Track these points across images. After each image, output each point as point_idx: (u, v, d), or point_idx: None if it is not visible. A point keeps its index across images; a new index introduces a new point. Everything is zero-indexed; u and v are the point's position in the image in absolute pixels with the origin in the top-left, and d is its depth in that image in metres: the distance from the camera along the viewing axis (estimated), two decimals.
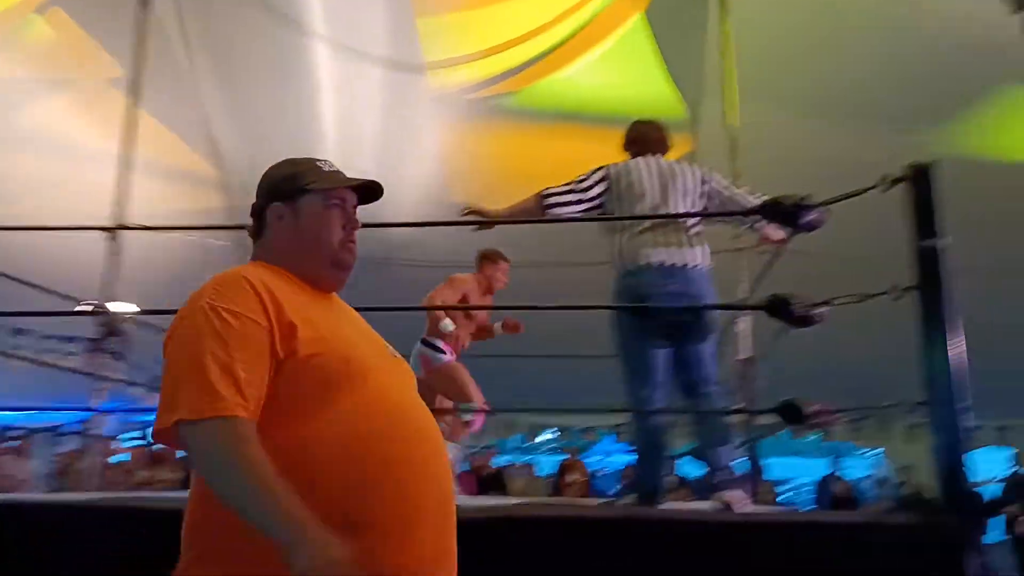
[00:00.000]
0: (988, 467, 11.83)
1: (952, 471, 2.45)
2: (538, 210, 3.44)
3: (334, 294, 1.68)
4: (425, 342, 4.85)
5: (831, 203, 2.92)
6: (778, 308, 2.87)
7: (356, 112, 7.83)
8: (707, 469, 3.27)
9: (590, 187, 3.47)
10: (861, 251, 5.41)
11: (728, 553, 2.33)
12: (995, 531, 10.85)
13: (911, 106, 6.72)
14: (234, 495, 1.34)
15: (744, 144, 5.94)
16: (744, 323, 5.21)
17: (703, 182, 3.47)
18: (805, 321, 2.89)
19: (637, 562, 2.26)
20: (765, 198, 3.16)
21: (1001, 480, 11.02)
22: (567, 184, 3.48)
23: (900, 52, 6.57)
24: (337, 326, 1.57)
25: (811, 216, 2.94)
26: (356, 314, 1.71)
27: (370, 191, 1.70)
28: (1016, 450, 10.78)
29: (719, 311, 3.68)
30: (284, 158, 1.72)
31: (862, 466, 12.96)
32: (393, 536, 1.43)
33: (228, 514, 1.35)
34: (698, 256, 3.34)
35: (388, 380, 1.56)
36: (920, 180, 2.60)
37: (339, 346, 1.51)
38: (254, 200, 1.68)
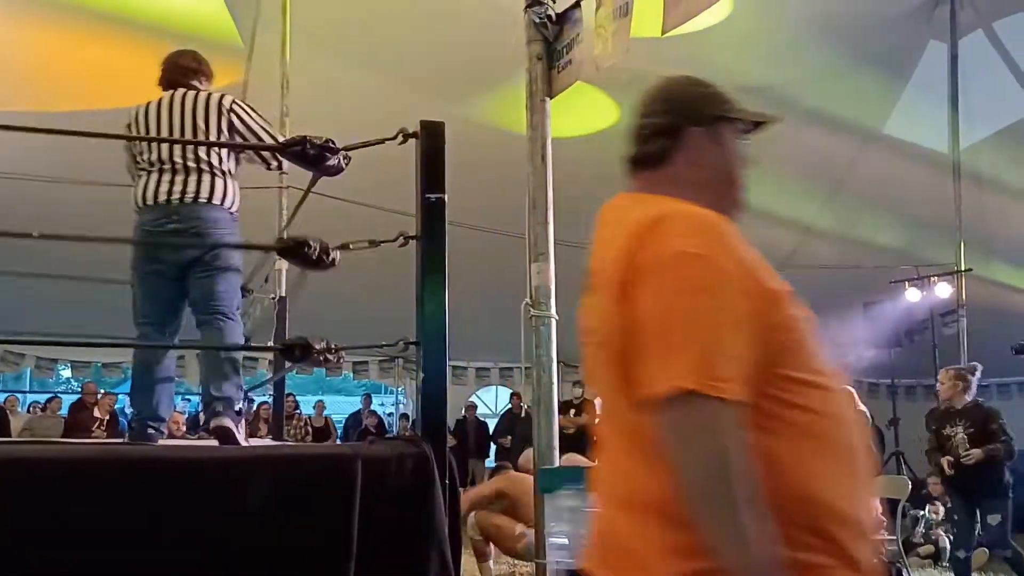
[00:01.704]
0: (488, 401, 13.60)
1: (433, 404, 2.74)
2: None
3: None
4: None
5: (353, 149, 3.04)
6: (292, 251, 2.92)
7: None
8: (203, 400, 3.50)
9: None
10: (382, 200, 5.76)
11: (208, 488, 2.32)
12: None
13: (450, 78, 7.27)
14: (702, 496, 1.10)
15: (295, 84, 5.95)
16: (282, 263, 5.25)
17: (225, 112, 3.44)
18: (319, 264, 2.97)
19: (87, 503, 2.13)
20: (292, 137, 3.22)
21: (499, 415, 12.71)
22: None
23: (439, 30, 7.07)
24: None
25: (333, 160, 3.03)
26: None
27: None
28: (512, 391, 12.53)
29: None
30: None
31: (390, 403, 13.90)
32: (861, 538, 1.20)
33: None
34: (205, 190, 3.36)
35: None
36: (430, 137, 2.80)
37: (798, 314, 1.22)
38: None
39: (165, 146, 3.38)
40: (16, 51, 6.85)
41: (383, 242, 2.95)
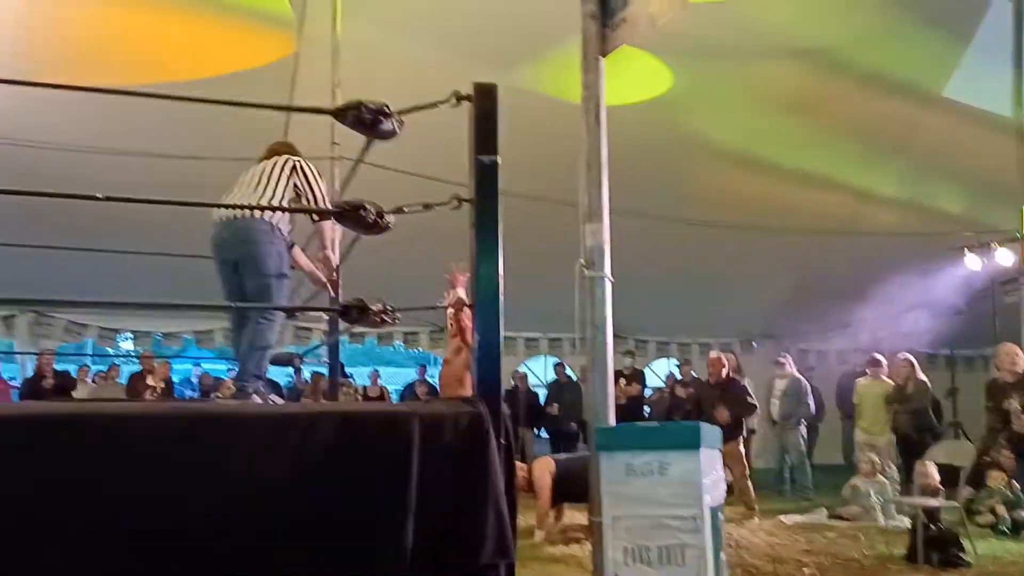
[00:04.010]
0: (538, 371, 13.65)
1: (489, 366, 2.76)
2: None
3: None
4: None
5: (407, 113, 3.04)
6: (348, 215, 2.95)
7: None
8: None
9: None
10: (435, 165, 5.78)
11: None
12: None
13: (500, 45, 7.22)
14: None
15: (345, 54, 5.98)
16: (336, 233, 5.32)
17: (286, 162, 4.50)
18: (375, 227, 3.00)
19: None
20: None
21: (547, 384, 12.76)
22: None
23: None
24: None
25: (387, 124, 3.05)
26: None
27: None
28: (558, 359, 12.57)
29: None
30: None
31: (438, 373, 13.95)
32: None
33: None
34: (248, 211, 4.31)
35: None
36: (483, 99, 2.80)
37: None
38: None
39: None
40: (69, 26, 6.98)
41: (437, 205, 2.97)
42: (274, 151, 4.64)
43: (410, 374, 13.55)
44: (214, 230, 4.42)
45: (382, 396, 11.47)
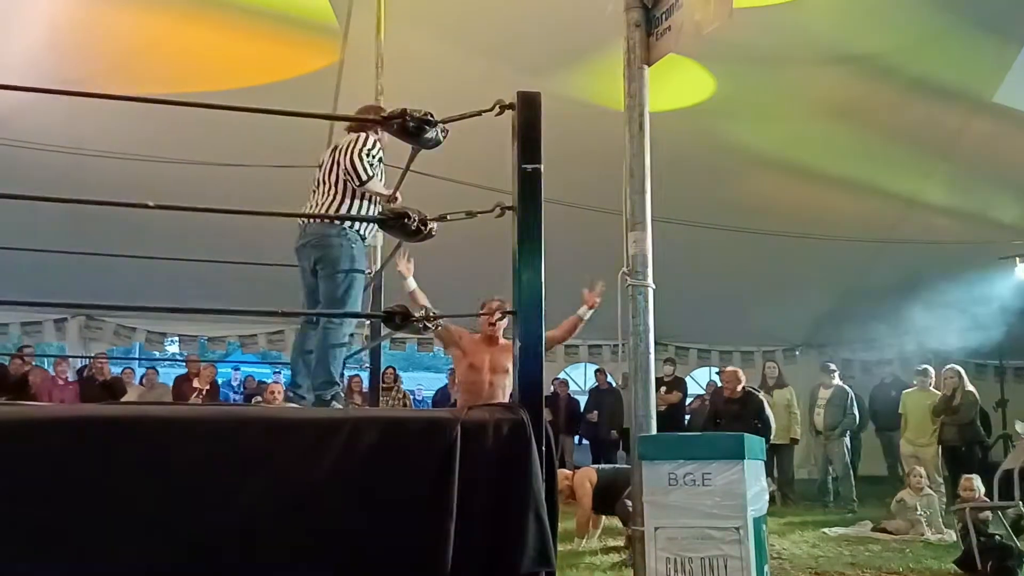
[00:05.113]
0: (578, 378, 13.62)
1: (531, 373, 2.76)
2: None
3: None
4: None
5: (451, 121, 3.07)
6: (393, 222, 2.99)
7: None
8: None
9: None
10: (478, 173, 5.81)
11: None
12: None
13: (542, 51, 7.24)
14: None
15: (388, 62, 6.04)
16: (376, 240, 5.39)
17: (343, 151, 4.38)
18: (418, 234, 3.03)
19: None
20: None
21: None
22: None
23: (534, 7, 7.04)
24: None
25: (431, 133, 3.07)
26: None
27: None
28: (598, 367, 12.53)
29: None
30: None
31: None
32: None
33: None
34: (321, 210, 4.36)
35: None
36: (526, 107, 2.80)
37: None
38: None
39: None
40: (118, 34, 7.12)
41: (480, 212, 2.98)
42: (351, 128, 4.58)
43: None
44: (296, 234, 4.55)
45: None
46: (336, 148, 4.48)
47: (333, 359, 4.30)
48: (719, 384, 12.25)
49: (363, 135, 4.43)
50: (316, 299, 4.46)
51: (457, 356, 5.57)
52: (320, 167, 4.54)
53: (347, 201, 4.41)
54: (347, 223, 4.37)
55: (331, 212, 4.36)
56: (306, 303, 4.58)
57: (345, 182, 4.36)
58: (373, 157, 4.38)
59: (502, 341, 5.35)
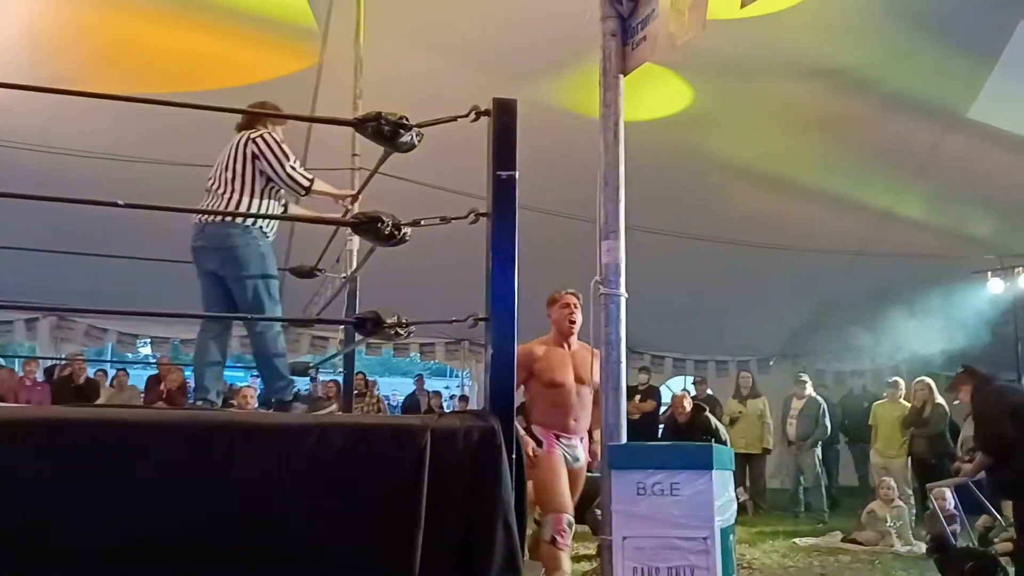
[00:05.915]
0: None
1: (501, 380, 2.75)
2: None
3: None
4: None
5: (426, 126, 3.06)
6: (365, 226, 2.97)
7: None
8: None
9: None
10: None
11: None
12: None
13: (520, 60, 7.25)
14: None
15: (368, 66, 6.02)
16: (352, 243, 5.37)
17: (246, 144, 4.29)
18: (391, 239, 3.01)
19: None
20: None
21: None
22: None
23: (511, 11, 7.06)
24: None
25: (406, 137, 3.06)
26: None
27: None
28: None
29: None
30: None
31: (455, 385, 14.04)
32: None
33: None
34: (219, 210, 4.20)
35: None
36: (502, 114, 2.80)
37: None
38: None
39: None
40: (97, 34, 7.06)
41: (454, 219, 2.98)
42: (240, 125, 4.42)
43: (433, 385, 13.56)
44: (193, 232, 4.31)
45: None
46: (235, 146, 4.31)
47: (280, 365, 4.26)
48: (692, 394, 12.36)
49: (264, 132, 4.30)
50: (218, 304, 4.29)
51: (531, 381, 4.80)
52: (215, 165, 4.38)
53: (255, 200, 4.26)
54: (249, 221, 4.22)
55: (239, 211, 4.24)
56: (204, 307, 4.41)
57: (253, 179, 4.23)
58: (292, 159, 4.28)
59: (575, 344, 4.85)
